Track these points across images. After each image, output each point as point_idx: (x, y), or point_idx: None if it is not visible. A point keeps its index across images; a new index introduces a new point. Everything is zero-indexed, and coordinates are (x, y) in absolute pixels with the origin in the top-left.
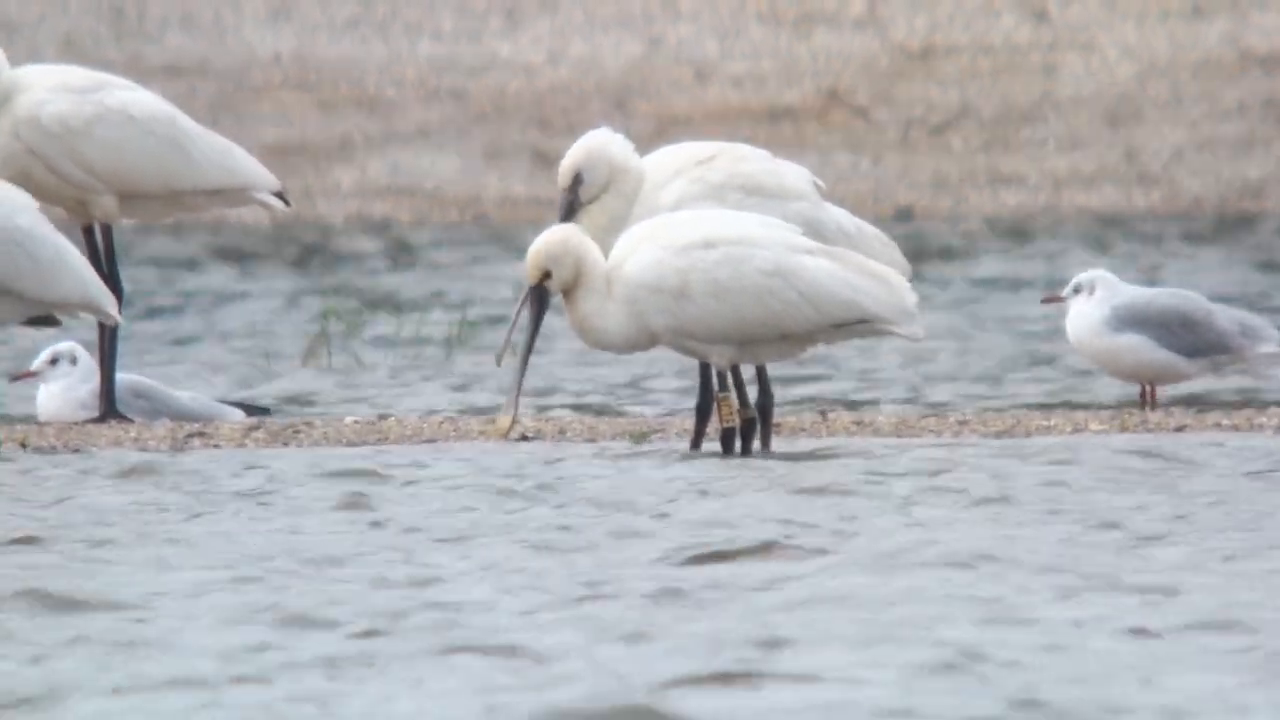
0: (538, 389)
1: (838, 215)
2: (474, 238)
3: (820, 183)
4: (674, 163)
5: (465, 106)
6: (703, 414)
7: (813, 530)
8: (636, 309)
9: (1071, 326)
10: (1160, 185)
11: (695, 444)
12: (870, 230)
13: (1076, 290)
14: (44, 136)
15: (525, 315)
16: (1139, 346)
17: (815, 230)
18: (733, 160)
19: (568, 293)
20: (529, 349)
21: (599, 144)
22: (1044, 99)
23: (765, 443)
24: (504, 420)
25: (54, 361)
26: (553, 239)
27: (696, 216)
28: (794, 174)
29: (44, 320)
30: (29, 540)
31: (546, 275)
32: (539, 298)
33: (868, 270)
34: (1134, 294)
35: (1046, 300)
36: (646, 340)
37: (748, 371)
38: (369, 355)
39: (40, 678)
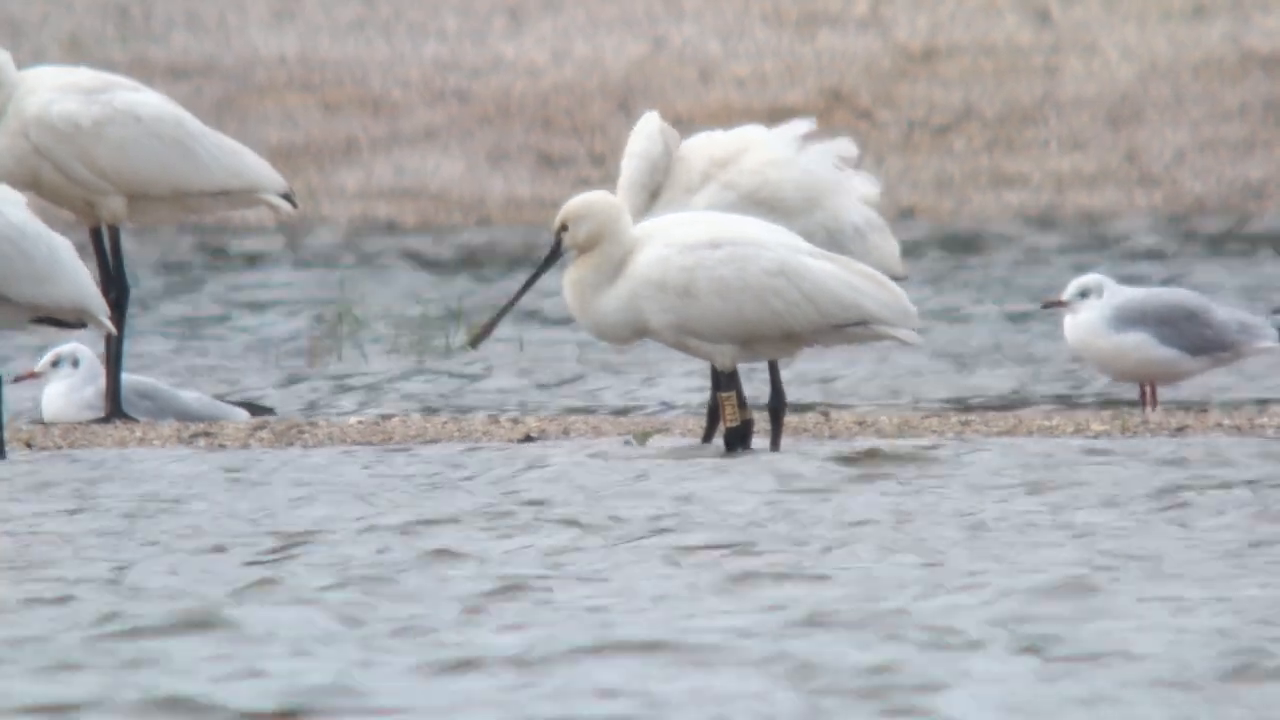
0: (539, 389)
1: (853, 215)
2: (478, 239)
3: (847, 152)
4: (699, 164)
5: (469, 108)
6: (715, 414)
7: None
8: (635, 304)
9: (1071, 330)
10: (1162, 186)
11: (706, 442)
12: (877, 222)
13: (1084, 295)
14: (54, 137)
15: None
16: (1142, 345)
17: (835, 239)
18: (761, 164)
19: (580, 257)
20: (526, 286)
21: (582, 204)
22: (1046, 100)
23: (775, 443)
24: (474, 330)
25: (56, 363)
26: (583, 199)
27: (702, 217)
28: (819, 161)
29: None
30: None
31: (565, 228)
32: (554, 247)
33: (869, 275)
34: (1133, 293)
35: (1049, 304)
36: (632, 333)
37: (760, 372)
38: (373, 355)
39: None
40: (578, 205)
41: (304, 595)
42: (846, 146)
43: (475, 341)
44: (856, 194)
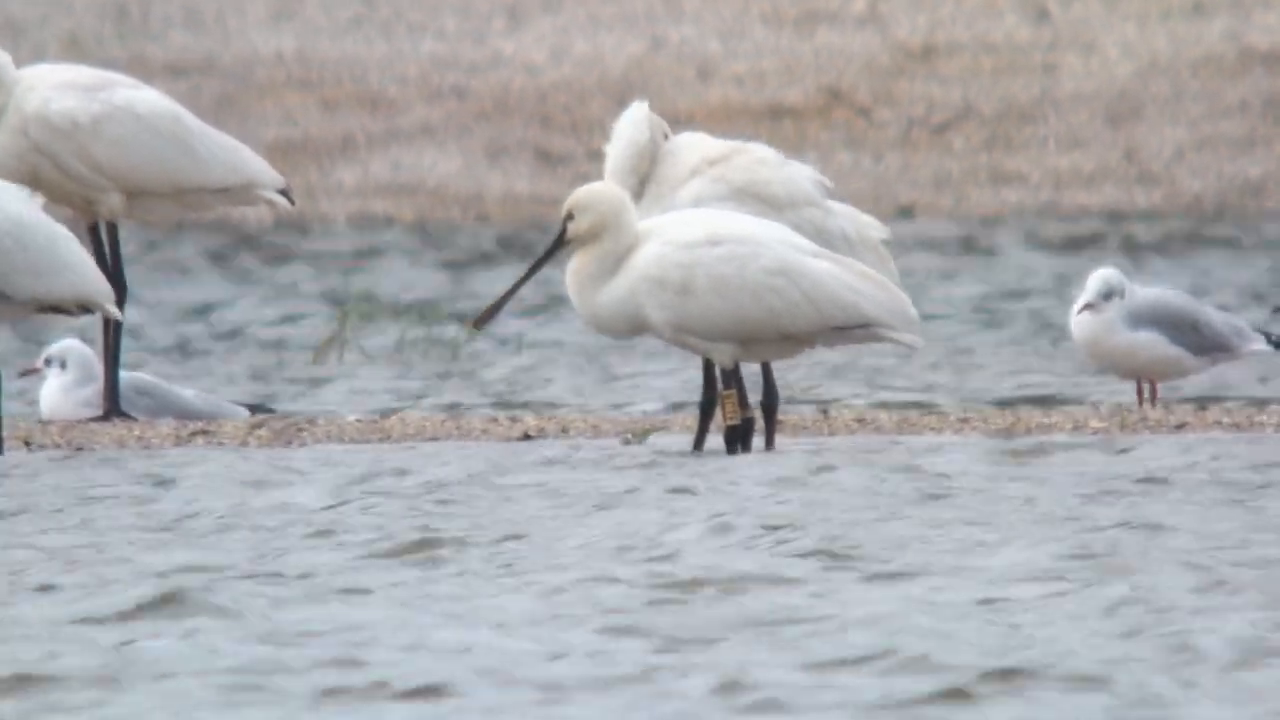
0: (542, 389)
1: (843, 223)
2: (476, 236)
3: (828, 182)
4: (690, 160)
5: (467, 105)
6: (706, 412)
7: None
8: (634, 299)
9: (1081, 326)
10: (1161, 184)
11: (699, 443)
12: (870, 238)
13: (1107, 296)
14: (53, 134)
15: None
16: (1154, 344)
17: (823, 238)
18: (751, 163)
19: (581, 247)
20: (530, 273)
21: (586, 194)
22: (1045, 98)
23: (769, 441)
24: (479, 314)
25: (48, 363)
26: (589, 189)
27: (702, 214)
28: (803, 177)
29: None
30: None
31: (570, 217)
32: (558, 235)
33: (871, 277)
34: (1145, 293)
35: (1084, 309)
36: (630, 328)
37: (753, 370)
38: (372, 353)
39: None
40: (583, 196)
41: None
42: (825, 180)
43: (480, 324)
44: (852, 217)
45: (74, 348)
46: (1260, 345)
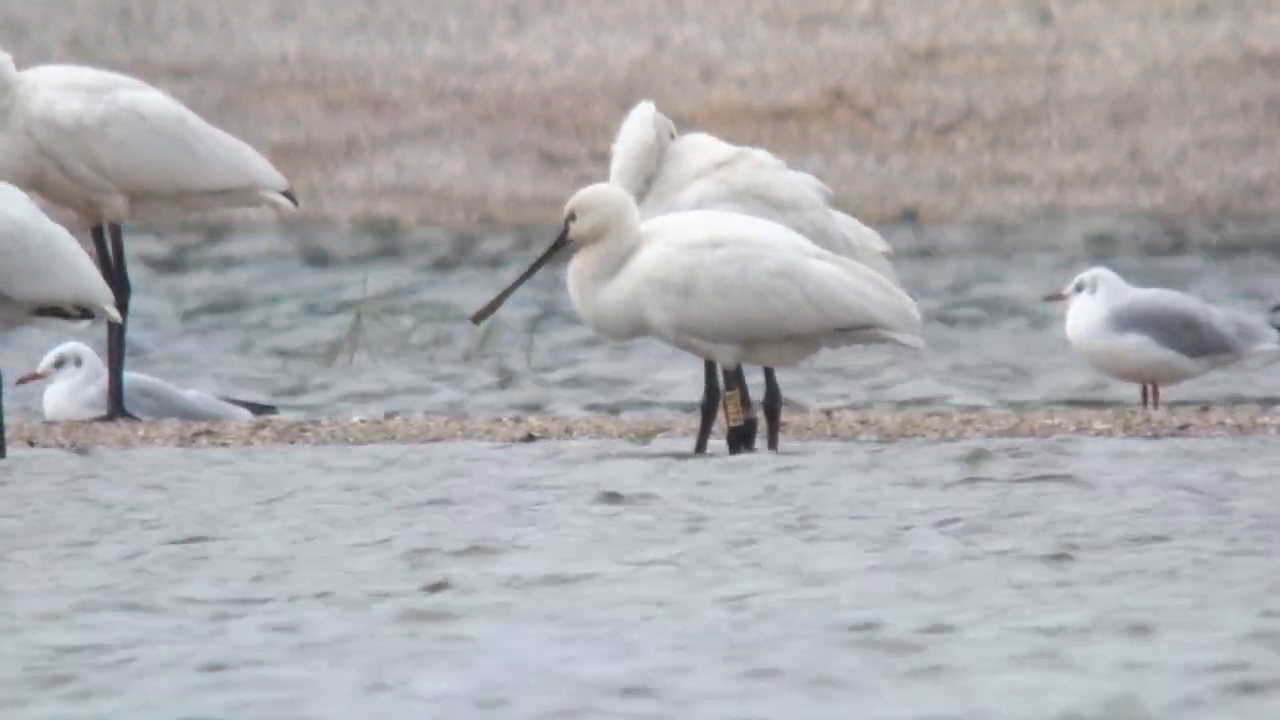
0: (541, 388)
1: (844, 227)
2: (480, 238)
3: (828, 190)
4: (696, 162)
5: (471, 107)
6: (708, 413)
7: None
8: (637, 300)
9: (1071, 325)
10: (1164, 185)
11: (701, 444)
12: (871, 249)
13: (1079, 288)
14: (58, 135)
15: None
16: (1141, 346)
17: (824, 241)
18: (754, 166)
19: (583, 247)
20: (531, 270)
21: (589, 195)
22: (1048, 99)
23: (772, 442)
24: (478, 311)
25: (59, 364)
26: (592, 190)
27: (705, 216)
28: (805, 183)
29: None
30: None
31: (573, 218)
32: (559, 235)
33: (873, 278)
34: (1135, 294)
35: (1050, 298)
36: (632, 330)
37: (755, 371)
38: (376, 354)
39: None
40: (586, 196)
41: None
42: (826, 189)
43: (478, 319)
44: (855, 228)
45: (81, 348)
46: (1271, 345)
